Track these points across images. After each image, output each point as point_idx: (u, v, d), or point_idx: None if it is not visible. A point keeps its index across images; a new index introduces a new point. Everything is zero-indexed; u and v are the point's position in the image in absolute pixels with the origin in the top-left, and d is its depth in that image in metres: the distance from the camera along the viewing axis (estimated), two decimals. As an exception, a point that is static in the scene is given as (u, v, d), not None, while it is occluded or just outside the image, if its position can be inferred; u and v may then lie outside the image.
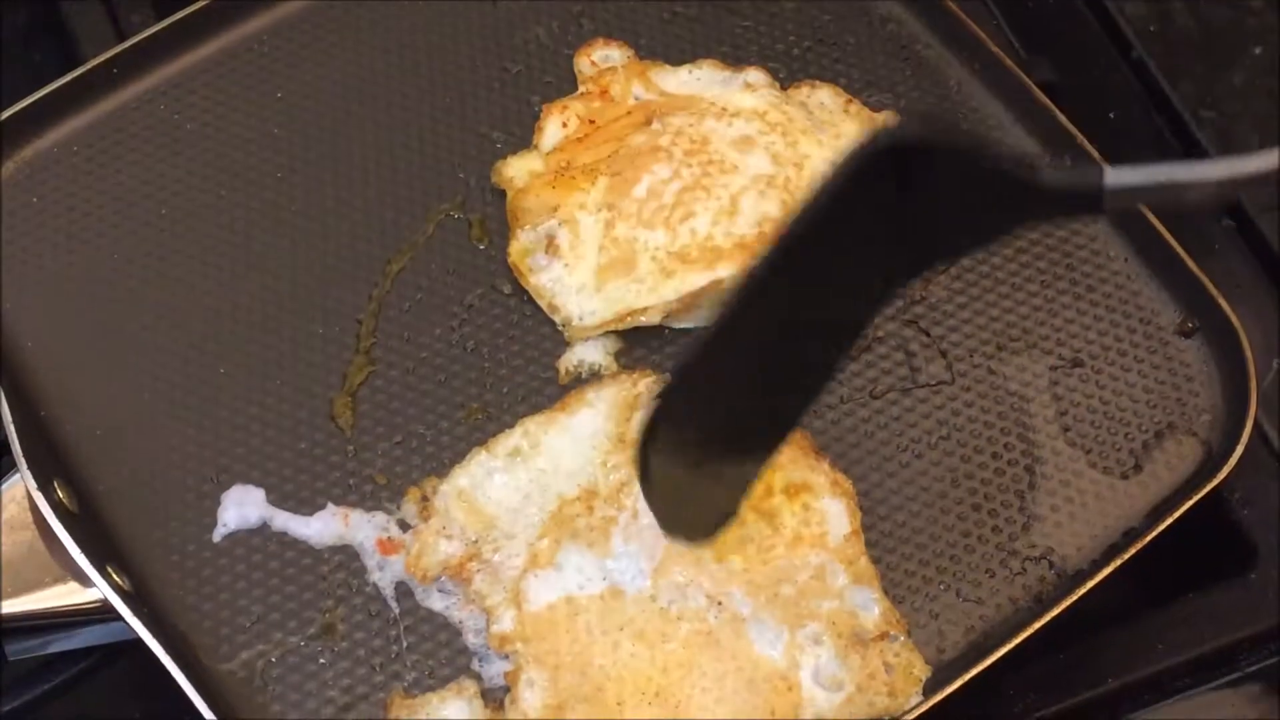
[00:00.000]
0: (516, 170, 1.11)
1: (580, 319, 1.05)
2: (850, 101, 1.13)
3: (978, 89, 1.16)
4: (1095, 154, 1.10)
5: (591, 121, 1.12)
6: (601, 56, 1.15)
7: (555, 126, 1.12)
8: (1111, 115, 1.22)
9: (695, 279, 1.04)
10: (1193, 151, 1.21)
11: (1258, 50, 1.27)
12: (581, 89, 1.14)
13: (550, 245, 1.07)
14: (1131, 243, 1.10)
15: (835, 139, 1.11)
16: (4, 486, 0.98)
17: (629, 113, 1.12)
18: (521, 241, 1.08)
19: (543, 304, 1.06)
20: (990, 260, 1.09)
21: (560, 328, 1.06)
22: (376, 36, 1.17)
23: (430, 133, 1.13)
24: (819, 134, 1.10)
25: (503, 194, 1.10)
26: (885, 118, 1.13)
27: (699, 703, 0.93)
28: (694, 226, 1.05)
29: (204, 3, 1.15)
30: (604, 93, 1.13)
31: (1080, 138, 1.11)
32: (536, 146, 1.12)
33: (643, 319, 1.04)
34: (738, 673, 0.93)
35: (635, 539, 0.96)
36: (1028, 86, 1.14)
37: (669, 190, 1.06)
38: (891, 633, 0.96)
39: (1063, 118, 1.12)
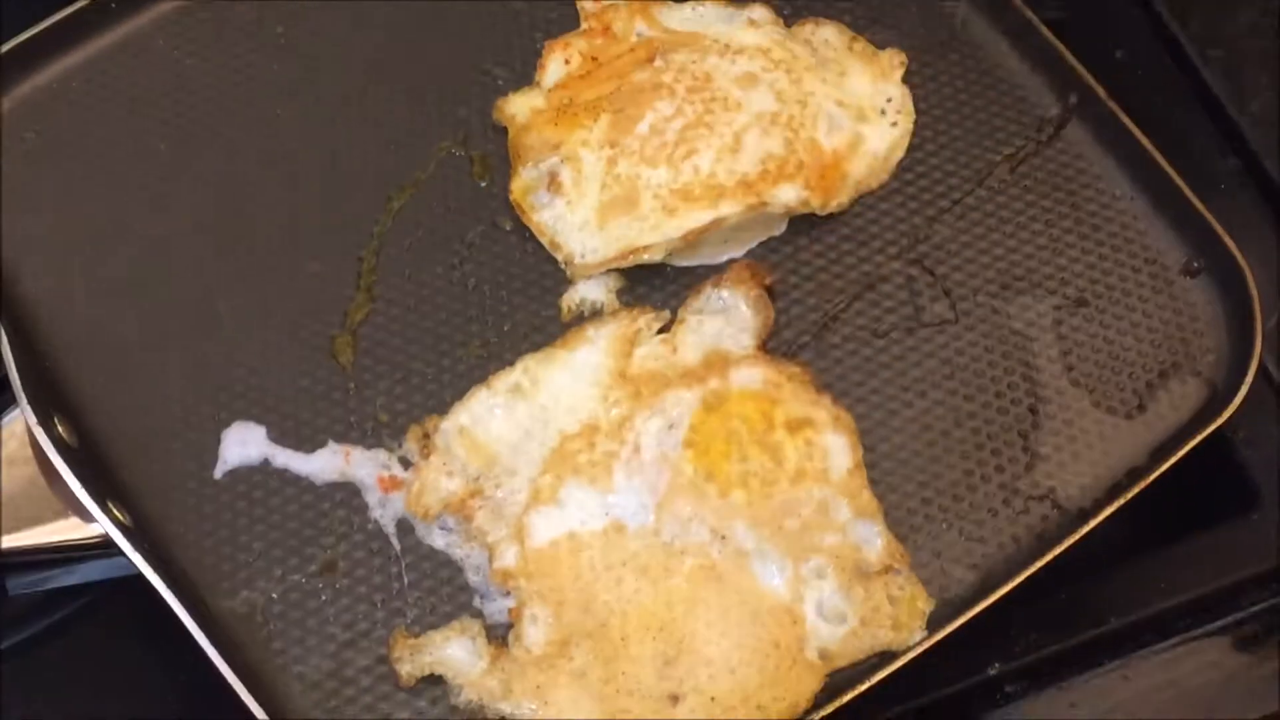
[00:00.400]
0: (518, 107, 1.10)
1: (582, 256, 1.05)
2: (855, 39, 1.12)
3: (983, 26, 1.15)
4: (1101, 91, 1.09)
5: (594, 58, 1.11)
6: (604, -7, 1.14)
7: (558, 63, 1.11)
8: (1118, 54, 1.21)
9: (698, 216, 1.04)
10: (1202, 93, 1.20)
11: (1266, -11, 1.26)
12: (584, 26, 1.13)
13: (552, 182, 1.06)
14: (1137, 181, 1.09)
15: (839, 76, 1.10)
16: (4, 421, 0.98)
17: (631, 50, 1.11)
18: (523, 179, 1.07)
19: (544, 241, 1.06)
20: (995, 199, 1.09)
21: (562, 265, 1.05)
22: (377, -27, 1.16)
23: (432, 70, 1.12)
24: (823, 71, 1.09)
25: (504, 131, 1.09)
26: (889, 55, 1.12)
27: (703, 636, 0.93)
28: (697, 164, 1.05)
29: (203, -62, 1.14)
30: (606, 30, 1.12)
31: (1086, 75, 1.10)
32: (539, 83, 1.11)
33: (645, 256, 1.04)
34: (742, 606, 0.93)
35: (638, 474, 0.96)
36: (1033, 24, 1.13)
37: (671, 128, 1.06)
38: (895, 567, 0.95)
39: (1069, 55, 1.11)
